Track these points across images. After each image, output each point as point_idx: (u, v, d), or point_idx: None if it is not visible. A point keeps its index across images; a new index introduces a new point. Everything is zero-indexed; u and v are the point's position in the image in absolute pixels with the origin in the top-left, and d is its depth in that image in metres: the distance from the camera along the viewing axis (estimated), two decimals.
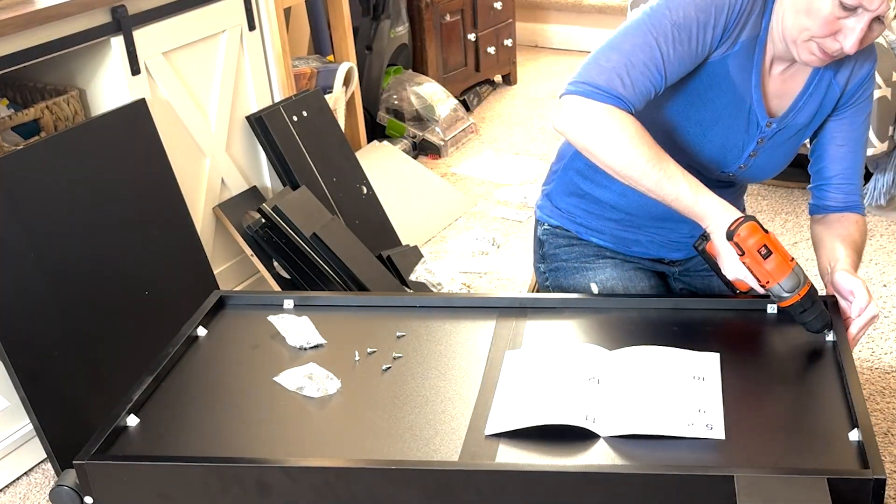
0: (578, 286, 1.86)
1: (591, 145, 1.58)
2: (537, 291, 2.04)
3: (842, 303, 1.61)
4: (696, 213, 1.58)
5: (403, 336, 1.64)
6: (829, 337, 1.54)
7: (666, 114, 1.71)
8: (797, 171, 3.57)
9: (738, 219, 1.54)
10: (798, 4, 1.57)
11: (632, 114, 1.57)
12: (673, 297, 1.88)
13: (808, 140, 1.83)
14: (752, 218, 1.53)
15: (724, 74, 1.66)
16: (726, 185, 1.84)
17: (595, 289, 1.84)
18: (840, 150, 1.79)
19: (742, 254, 1.53)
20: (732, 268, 1.57)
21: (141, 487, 1.36)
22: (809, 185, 1.86)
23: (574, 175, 1.86)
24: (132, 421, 1.44)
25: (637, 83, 1.57)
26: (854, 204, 1.81)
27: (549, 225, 1.94)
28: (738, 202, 1.92)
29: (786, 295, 1.52)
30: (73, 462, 1.35)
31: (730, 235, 1.53)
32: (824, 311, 1.54)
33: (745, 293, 1.62)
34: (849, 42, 1.55)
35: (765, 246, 1.52)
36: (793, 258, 1.54)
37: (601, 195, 1.83)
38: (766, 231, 1.53)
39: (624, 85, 1.56)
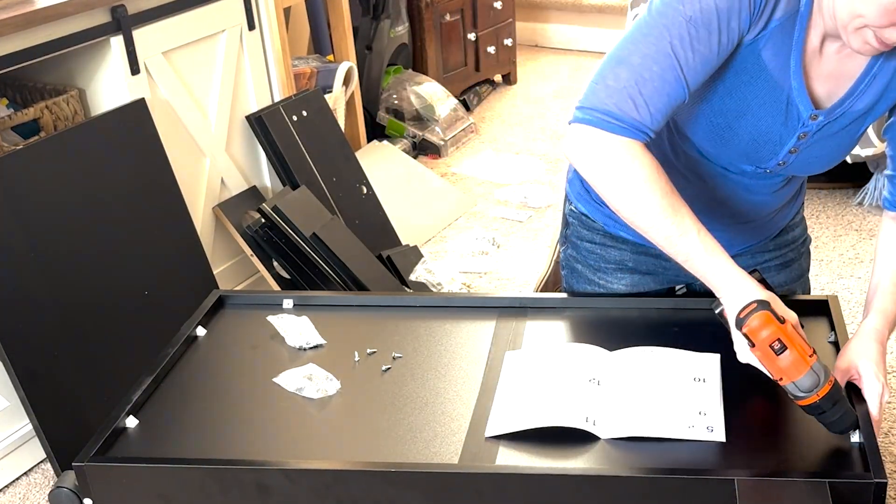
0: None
1: (600, 185, 1.40)
2: (543, 290, 2.03)
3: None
4: (708, 282, 1.39)
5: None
6: (830, 337, 1.54)
7: (684, 135, 1.53)
8: None
9: (750, 305, 1.33)
10: None
11: (650, 139, 1.38)
12: (673, 297, 1.87)
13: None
14: (766, 305, 1.32)
15: (755, 59, 1.41)
16: (768, 176, 1.60)
17: None
18: None
19: (752, 346, 1.34)
20: (743, 355, 1.38)
21: (140, 489, 1.36)
22: (885, 172, 1.58)
23: None
24: (131, 422, 1.44)
25: (653, 102, 1.36)
26: None
27: (576, 209, 1.74)
28: (783, 192, 1.66)
29: (801, 395, 1.32)
30: (73, 464, 1.35)
31: (739, 324, 1.34)
32: (849, 411, 1.33)
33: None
34: None
35: (778, 340, 1.31)
36: (813, 352, 1.32)
37: None
38: (783, 320, 1.32)
39: (637, 107, 1.35)
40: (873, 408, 1.35)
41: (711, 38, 1.35)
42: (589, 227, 1.73)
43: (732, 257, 1.41)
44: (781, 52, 1.41)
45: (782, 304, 1.38)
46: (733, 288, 1.36)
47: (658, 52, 1.34)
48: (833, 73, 1.44)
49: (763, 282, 1.43)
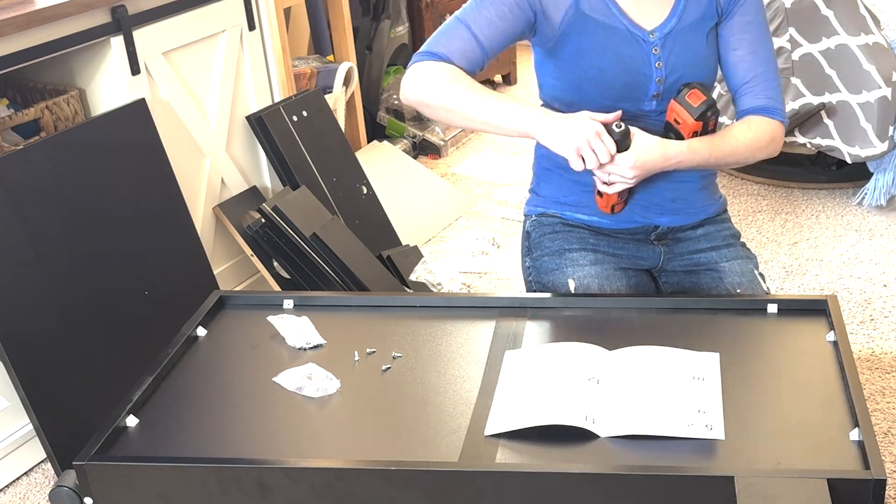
0: (557, 282, 1.85)
1: (425, 95, 1.73)
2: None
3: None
4: (521, 132, 1.68)
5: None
6: (830, 337, 1.54)
7: (566, 78, 1.80)
8: (798, 171, 3.58)
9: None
10: None
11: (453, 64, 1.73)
12: (673, 297, 1.88)
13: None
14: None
15: (582, 19, 1.75)
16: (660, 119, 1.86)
17: (572, 286, 1.82)
18: (737, 54, 1.82)
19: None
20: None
21: (140, 488, 1.36)
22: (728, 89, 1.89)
23: (545, 152, 1.85)
24: (132, 422, 1.44)
25: (454, 45, 1.73)
26: (767, 107, 1.82)
27: (535, 216, 1.95)
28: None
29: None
30: (73, 463, 1.35)
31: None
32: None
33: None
34: None
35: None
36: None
37: None
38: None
39: (445, 47, 1.73)
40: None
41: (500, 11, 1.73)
42: (549, 223, 1.93)
43: (679, 234, 1.89)
44: (599, 5, 1.75)
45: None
46: (537, 120, 1.66)
47: (461, 19, 1.75)
48: (648, 8, 1.78)
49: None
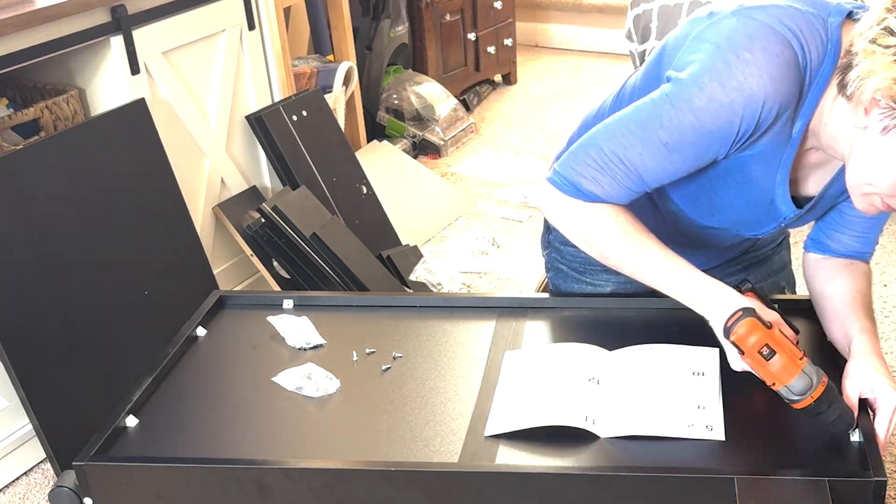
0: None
1: (569, 237, 1.49)
2: (543, 291, 2.03)
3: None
4: (687, 302, 1.42)
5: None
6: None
7: (667, 196, 1.56)
8: None
9: (735, 313, 1.34)
10: (870, 152, 1.31)
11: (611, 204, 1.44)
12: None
13: None
14: (751, 312, 1.34)
15: (741, 169, 1.44)
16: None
17: None
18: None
19: (742, 353, 1.35)
20: (736, 364, 1.39)
21: (140, 488, 1.36)
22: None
23: None
24: (131, 422, 1.44)
25: (614, 188, 1.41)
26: (867, 252, 1.59)
27: None
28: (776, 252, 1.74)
29: (795, 398, 1.32)
30: (73, 463, 1.35)
31: (726, 333, 1.35)
32: (846, 411, 1.33)
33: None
34: None
35: (766, 346, 1.32)
36: (803, 355, 1.33)
37: None
38: (769, 325, 1.34)
39: (601, 187, 1.41)
40: (884, 421, 1.34)
41: (683, 161, 1.39)
42: None
43: (716, 266, 1.58)
44: (770, 167, 1.44)
45: (767, 309, 1.39)
46: (713, 299, 1.39)
47: (630, 150, 1.39)
48: (813, 169, 1.48)
49: (754, 291, 1.44)
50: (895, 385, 1.36)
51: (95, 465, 1.35)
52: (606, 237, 1.44)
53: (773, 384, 1.34)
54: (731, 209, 1.52)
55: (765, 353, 1.32)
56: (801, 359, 1.32)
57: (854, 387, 1.37)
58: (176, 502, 1.36)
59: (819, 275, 1.58)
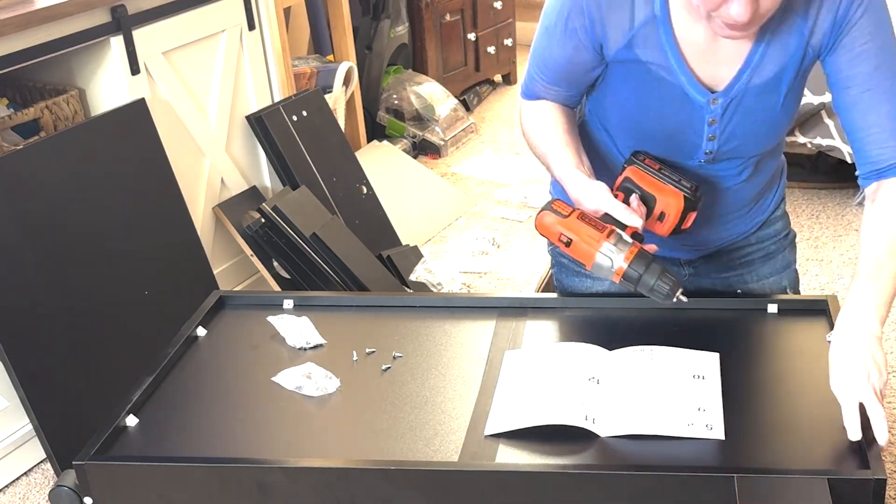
0: (577, 289, 1.83)
1: (525, 139, 1.64)
2: (544, 290, 2.04)
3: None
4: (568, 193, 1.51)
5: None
6: (830, 337, 1.54)
7: (604, 115, 1.61)
8: (798, 171, 3.58)
9: (544, 206, 1.45)
10: None
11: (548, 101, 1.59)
12: None
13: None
14: (550, 203, 1.42)
15: (635, 63, 1.47)
16: (713, 167, 1.58)
17: None
18: (852, 93, 1.44)
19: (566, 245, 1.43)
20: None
21: (140, 488, 1.36)
22: (852, 152, 1.51)
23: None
24: (132, 421, 1.44)
25: (534, 82, 1.59)
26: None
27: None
28: (749, 183, 1.63)
29: (606, 276, 1.40)
30: (73, 462, 1.35)
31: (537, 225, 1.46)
32: (665, 275, 1.37)
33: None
34: (734, 7, 1.30)
35: (562, 234, 1.41)
36: (610, 232, 1.39)
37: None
38: (566, 214, 1.41)
39: (529, 84, 1.60)
40: (882, 437, 1.28)
41: (563, 44, 1.50)
42: None
43: (714, 252, 1.67)
44: (656, 50, 1.46)
45: (601, 193, 1.44)
46: (572, 190, 1.47)
47: (536, 47, 1.56)
48: (718, 57, 1.46)
49: (642, 163, 1.49)
50: (857, 375, 1.31)
51: (95, 464, 1.35)
52: (529, 129, 1.60)
53: (586, 266, 1.42)
54: (651, 112, 1.52)
55: (564, 240, 1.41)
56: (599, 241, 1.38)
57: (834, 387, 1.33)
58: (176, 502, 1.36)
59: (868, 211, 1.46)
